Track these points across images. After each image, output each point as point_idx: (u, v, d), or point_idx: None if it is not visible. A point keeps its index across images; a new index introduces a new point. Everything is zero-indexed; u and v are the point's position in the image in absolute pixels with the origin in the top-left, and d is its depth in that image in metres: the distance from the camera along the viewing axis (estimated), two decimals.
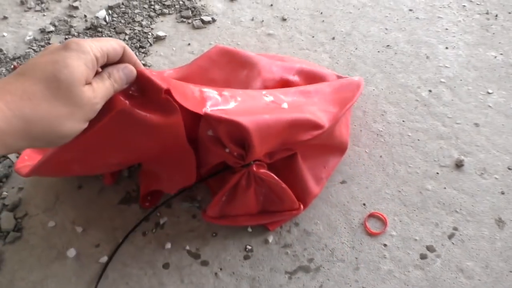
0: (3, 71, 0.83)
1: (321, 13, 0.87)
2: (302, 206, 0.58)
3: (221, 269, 0.56)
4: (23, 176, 0.55)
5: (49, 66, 0.34)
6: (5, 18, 0.93)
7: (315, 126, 0.52)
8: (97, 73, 0.38)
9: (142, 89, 0.43)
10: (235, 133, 0.48)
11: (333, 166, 0.63)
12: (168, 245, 0.58)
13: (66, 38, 0.89)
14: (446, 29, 0.83)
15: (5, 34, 0.90)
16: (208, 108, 0.48)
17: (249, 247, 0.57)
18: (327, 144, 0.60)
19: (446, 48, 0.80)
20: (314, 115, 0.53)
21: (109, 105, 0.40)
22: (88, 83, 0.36)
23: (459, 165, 0.64)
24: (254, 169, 0.52)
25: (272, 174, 0.53)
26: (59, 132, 0.35)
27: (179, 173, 0.56)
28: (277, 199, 0.56)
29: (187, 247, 0.57)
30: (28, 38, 0.89)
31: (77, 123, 0.36)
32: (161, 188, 0.59)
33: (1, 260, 0.56)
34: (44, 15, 0.94)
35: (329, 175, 0.62)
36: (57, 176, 0.63)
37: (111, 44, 0.39)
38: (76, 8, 0.95)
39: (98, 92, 0.37)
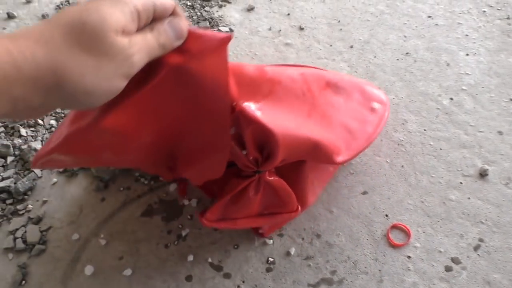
0: None
1: (339, 21, 0.87)
2: (300, 208, 0.56)
3: (243, 281, 0.56)
4: (33, 165, 0.47)
5: (77, 12, 0.29)
6: (28, 2, 0.96)
7: (334, 156, 0.52)
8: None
9: (193, 48, 0.37)
10: (261, 138, 0.46)
11: (327, 179, 0.63)
12: (191, 257, 0.58)
13: None
14: (466, 35, 0.82)
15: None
16: (244, 103, 0.44)
17: (271, 259, 0.57)
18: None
19: (467, 54, 0.79)
20: (338, 142, 0.52)
21: (159, 63, 0.35)
22: (126, 34, 0.30)
23: (483, 174, 0.63)
24: (267, 176, 0.50)
25: (283, 181, 0.52)
26: (81, 86, 0.28)
27: (209, 162, 0.50)
28: (280, 203, 0.55)
29: (210, 259, 0.58)
30: None
31: (106, 78, 0.29)
32: (189, 177, 0.56)
33: (27, 273, 0.57)
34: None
35: (322, 188, 0.63)
36: (72, 165, 0.57)
37: None
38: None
39: (136, 42, 0.31)
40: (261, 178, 0.50)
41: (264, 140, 0.46)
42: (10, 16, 0.93)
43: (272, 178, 0.51)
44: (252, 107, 0.45)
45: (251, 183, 0.50)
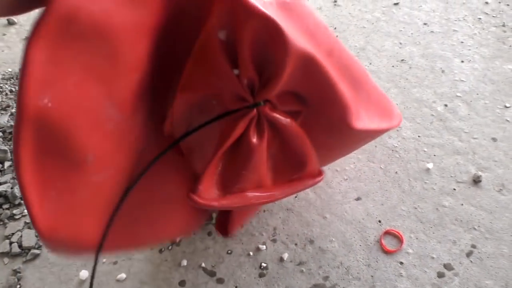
0: None
1: (335, 28, 0.87)
2: (323, 174, 0.42)
3: (236, 287, 0.56)
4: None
5: None
6: None
7: (351, 117, 0.38)
8: None
9: None
10: (264, 46, 0.31)
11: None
12: (184, 262, 0.58)
13: None
14: (462, 42, 0.82)
15: None
16: None
17: (264, 265, 0.57)
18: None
19: (462, 61, 0.79)
20: (358, 105, 0.39)
21: None
22: None
23: (476, 181, 0.63)
24: (270, 111, 0.35)
25: (294, 123, 0.37)
26: None
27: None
28: (296, 158, 0.40)
29: (203, 264, 0.58)
30: None
31: None
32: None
33: (21, 278, 0.58)
34: None
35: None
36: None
37: None
38: None
39: None
40: (261, 113, 0.35)
41: (267, 50, 0.32)
42: (10, 23, 0.94)
43: (277, 114, 0.36)
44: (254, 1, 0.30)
45: (250, 125, 0.35)
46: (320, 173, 0.42)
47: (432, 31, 0.85)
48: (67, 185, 0.29)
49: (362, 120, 0.39)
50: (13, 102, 0.83)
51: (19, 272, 0.58)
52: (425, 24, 0.87)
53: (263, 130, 0.36)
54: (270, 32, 0.30)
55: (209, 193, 0.36)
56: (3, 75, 0.89)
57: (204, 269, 0.58)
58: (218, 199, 0.37)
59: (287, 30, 0.31)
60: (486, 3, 0.89)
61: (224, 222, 0.51)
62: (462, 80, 0.76)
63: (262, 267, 0.57)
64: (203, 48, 0.32)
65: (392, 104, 0.51)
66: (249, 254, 0.58)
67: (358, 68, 0.42)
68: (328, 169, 0.66)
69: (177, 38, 0.33)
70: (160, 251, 0.59)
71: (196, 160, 0.39)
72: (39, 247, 0.61)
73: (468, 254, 0.56)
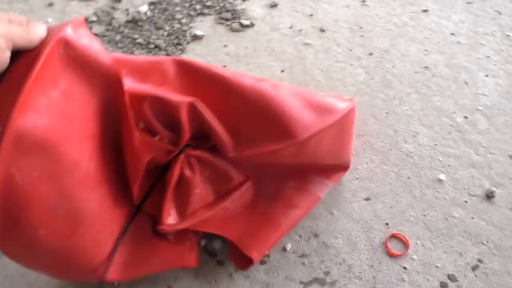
0: None
1: (361, 27, 0.86)
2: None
3: (236, 270, 0.55)
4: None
5: None
6: (51, 4, 0.96)
7: (297, 129, 0.46)
8: None
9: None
10: (162, 110, 0.43)
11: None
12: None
13: (107, 29, 0.91)
14: (488, 56, 0.81)
15: (50, 19, 0.93)
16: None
17: (266, 252, 0.56)
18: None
19: (486, 76, 0.78)
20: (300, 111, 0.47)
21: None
22: None
23: (489, 196, 0.62)
24: (190, 151, 0.48)
25: (208, 154, 0.50)
26: None
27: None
28: (224, 177, 0.53)
29: (202, 243, 0.57)
30: None
31: None
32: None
33: None
34: (87, 5, 0.96)
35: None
36: None
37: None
38: (119, 1, 0.97)
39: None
40: (187, 155, 0.48)
41: (166, 112, 0.43)
42: None
43: (198, 151, 0.49)
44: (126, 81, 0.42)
45: (183, 165, 0.48)
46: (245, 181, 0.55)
47: (459, 42, 0.84)
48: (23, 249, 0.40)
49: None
50: None
51: None
52: (452, 34, 0.85)
53: (193, 165, 0.49)
54: (158, 100, 0.42)
55: (171, 221, 0.49)
56: None
57: (205, 249, 0.57)
58: (180, 223, 0.50)
59: (170, 95, 0.43)
60: None
61: (238, 254, 0.53)
62: (485, 94, 0.75)
63: (263, 254, 0.56)
64: (129, 141, 0.44)
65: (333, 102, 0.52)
66: None
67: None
68: None
69: (112, 136, 0.44)
70: None
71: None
72: None
73: (474, 268, 0.55)
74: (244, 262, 0.53)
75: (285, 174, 0.57)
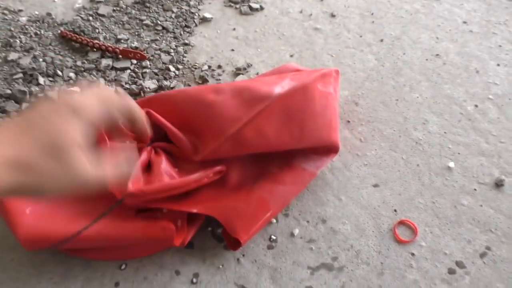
0: (50, 35, 0.84)
1: (372, 13, 0.85)
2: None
3: (243, 255, 0.55)
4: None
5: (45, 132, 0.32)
6: None
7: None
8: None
9: None
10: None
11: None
12: None
13: (114, 10, 0.90)
14: (500, 46, 0.80)
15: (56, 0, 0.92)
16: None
17: (273, 237, 0.56)
18: None
19: (498, 65, 0.77)
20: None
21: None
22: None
23: (498, 184, 0.61)
24: (155, 144, 0.58)
25: (172, 145, 0.59)
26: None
27: None
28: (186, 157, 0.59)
29: (210, 228, 0.57)
30: (77, 5, 0.90)
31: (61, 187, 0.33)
32: None
33: None
34: None
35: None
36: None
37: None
38: None
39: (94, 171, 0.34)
40: (154, 146, 0.59)
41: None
42: None
43: (161, 143, 0.59)
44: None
45: (151, 152, 0.58)
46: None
47: (471, 31, 0.83)
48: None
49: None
50: (37, 45, 0.82)
51: None
52: (464, 22, 0.84)
53: (159, 152, 0.58)
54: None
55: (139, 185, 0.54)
56: (30, 17, 0.88)
57: (212, 233, 0.57)
58: (146, 186, 0.53)
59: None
60: None
61: (229, 237, 0.54)
62: (496, 83, 0.74)
63: (271, 240, 0.56)
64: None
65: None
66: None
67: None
68: (349, 153, 0.65)
69: None
70: None
71: None
72: None
73: (482, 255, 0.55)
74: (234, 243, 0.54)
75: (265, 157, 0.59)
